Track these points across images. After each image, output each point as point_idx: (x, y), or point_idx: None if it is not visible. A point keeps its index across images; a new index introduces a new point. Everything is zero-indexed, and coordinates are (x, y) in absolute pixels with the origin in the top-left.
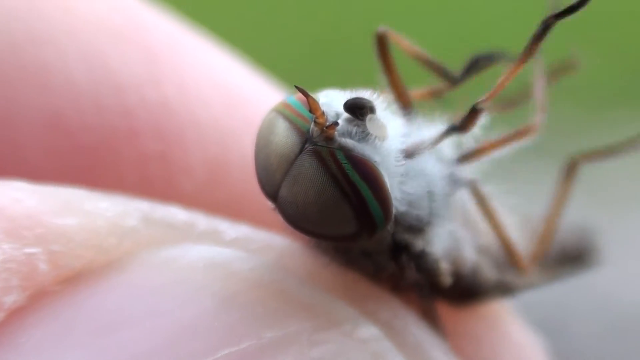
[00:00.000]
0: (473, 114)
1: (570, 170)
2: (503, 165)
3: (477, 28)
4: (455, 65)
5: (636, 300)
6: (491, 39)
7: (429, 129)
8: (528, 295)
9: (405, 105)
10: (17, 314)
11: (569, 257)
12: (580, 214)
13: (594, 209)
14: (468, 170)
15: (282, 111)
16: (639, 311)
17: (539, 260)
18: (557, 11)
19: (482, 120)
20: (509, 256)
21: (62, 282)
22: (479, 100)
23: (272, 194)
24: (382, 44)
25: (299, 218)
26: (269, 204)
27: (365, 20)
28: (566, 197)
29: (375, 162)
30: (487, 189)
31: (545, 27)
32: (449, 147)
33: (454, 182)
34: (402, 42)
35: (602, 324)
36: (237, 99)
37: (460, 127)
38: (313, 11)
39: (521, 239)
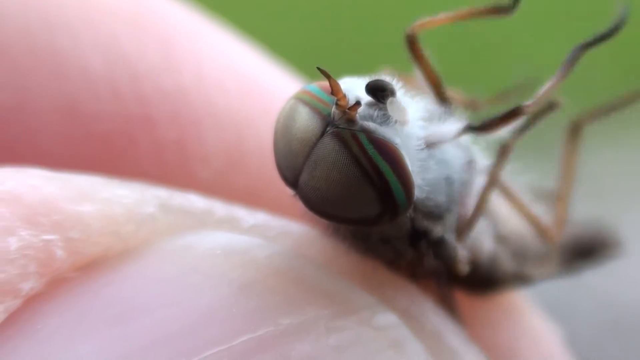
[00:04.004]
0: (504, 119)
1: (573, 133)
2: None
3: (483, 26)
4: (458, 64)
5: (636, 300)
6: (493, 38)
7: (450, 121)
8: (528, 295)
9: (441, 98)
10: (34, 300)
11: (585, 251)
12: (581, 213)
13: (594, 208)
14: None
15: (303, 97)
16: (639, 311)
17: (564, 224)
18: (588, 40)
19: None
20: (536, 230)
21: (79, 269)
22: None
23: (292, 180)
24: (412, 43)
25: (321, 202)
26: (289, 191)
27: (381, 10)
28: (575, 161)
29: (396, 144)
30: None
31: (578, 54)
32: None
33: (472, 169)
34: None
35: (602, 324)
36: (253, 86)
37: (480, 128)
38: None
39: (542, 213)
